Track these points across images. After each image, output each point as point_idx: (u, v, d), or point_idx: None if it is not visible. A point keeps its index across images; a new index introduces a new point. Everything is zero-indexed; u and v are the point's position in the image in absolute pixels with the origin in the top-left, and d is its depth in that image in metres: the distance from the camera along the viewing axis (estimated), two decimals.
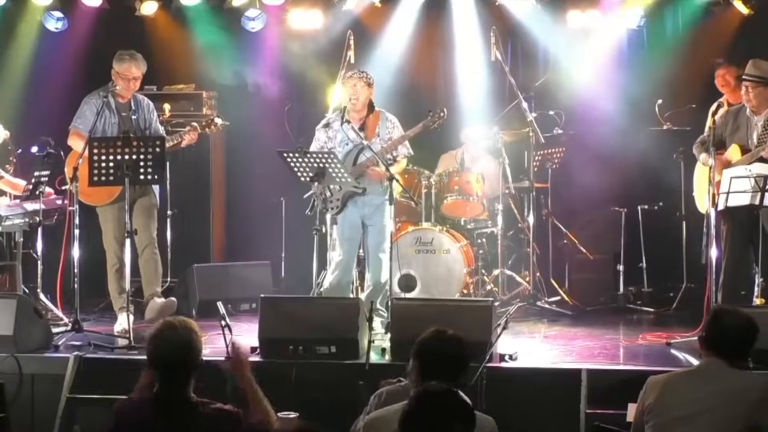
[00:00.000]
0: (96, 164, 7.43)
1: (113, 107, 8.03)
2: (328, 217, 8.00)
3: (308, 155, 7.65)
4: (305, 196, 8.17)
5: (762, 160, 7.37)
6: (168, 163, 8.32)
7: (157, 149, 7.51)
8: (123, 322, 7.67)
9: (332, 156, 7.66)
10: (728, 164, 7.54)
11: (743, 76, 7.62)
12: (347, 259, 7.99)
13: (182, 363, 4.30)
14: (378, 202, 7.94)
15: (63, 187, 8.00)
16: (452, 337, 4.64)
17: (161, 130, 8.30)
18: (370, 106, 8.05)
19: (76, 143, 7.91)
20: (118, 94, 8.04)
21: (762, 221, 7.43)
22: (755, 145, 7.53)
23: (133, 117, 8.07)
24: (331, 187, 7.83)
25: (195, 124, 8.21)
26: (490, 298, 8.16)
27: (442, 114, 7.97)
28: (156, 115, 8.30)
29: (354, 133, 7.89)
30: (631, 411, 5.13)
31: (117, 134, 7.84)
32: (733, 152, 7.58)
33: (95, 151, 7.44)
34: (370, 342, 6.51)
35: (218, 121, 8.26)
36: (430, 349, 4.57)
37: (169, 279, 9.23)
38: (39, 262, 8.32)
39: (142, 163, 7.47)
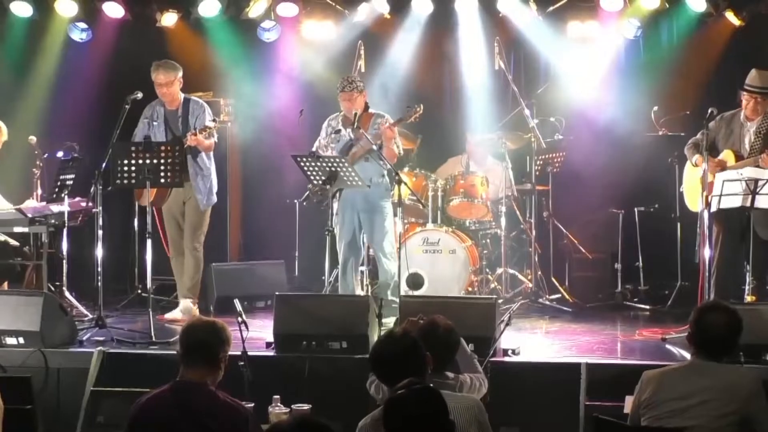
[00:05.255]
0: (119, 168, 7.60)
1: (159, 115, 8.31)
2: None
3: (321, 159, 7.77)
4: (307, 188, 8.29)
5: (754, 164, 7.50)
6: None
7: (177, 153, 7.64)
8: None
9: (343, 160, 7.80)
10: (724, 166, 7.61)
11: (748, 87, 7.67)
12: (344, 260, 8.15)
13: (205, 347, 4.46)
14: (375, 203, 8.10)
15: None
16: (401, 338, 4.60)
17: (206, 122, 8.23)
18: (366, 106, 8.32)
19: None
20: (164, 102, 8.31)
21: (753, 222, 7.53)
22: (747, 151, 7.64)
23: (179, 121, 8.25)
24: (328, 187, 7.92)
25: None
26: (494, 296, 8.41)
27: (418, 109, 8.22)
28: (204, 112, 8.32)
29: (350, 126, 8.13)
30: (629, 403, 5.16)
31: (165, 139, 8.13)
32: (728, 157, 7.70)
33: (117, 155, 7.63)
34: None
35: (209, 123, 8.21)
36: (377, 354, 4.62)
37: None
38: (64, 262, 8.38)
39: (162, 167, 7.61)
